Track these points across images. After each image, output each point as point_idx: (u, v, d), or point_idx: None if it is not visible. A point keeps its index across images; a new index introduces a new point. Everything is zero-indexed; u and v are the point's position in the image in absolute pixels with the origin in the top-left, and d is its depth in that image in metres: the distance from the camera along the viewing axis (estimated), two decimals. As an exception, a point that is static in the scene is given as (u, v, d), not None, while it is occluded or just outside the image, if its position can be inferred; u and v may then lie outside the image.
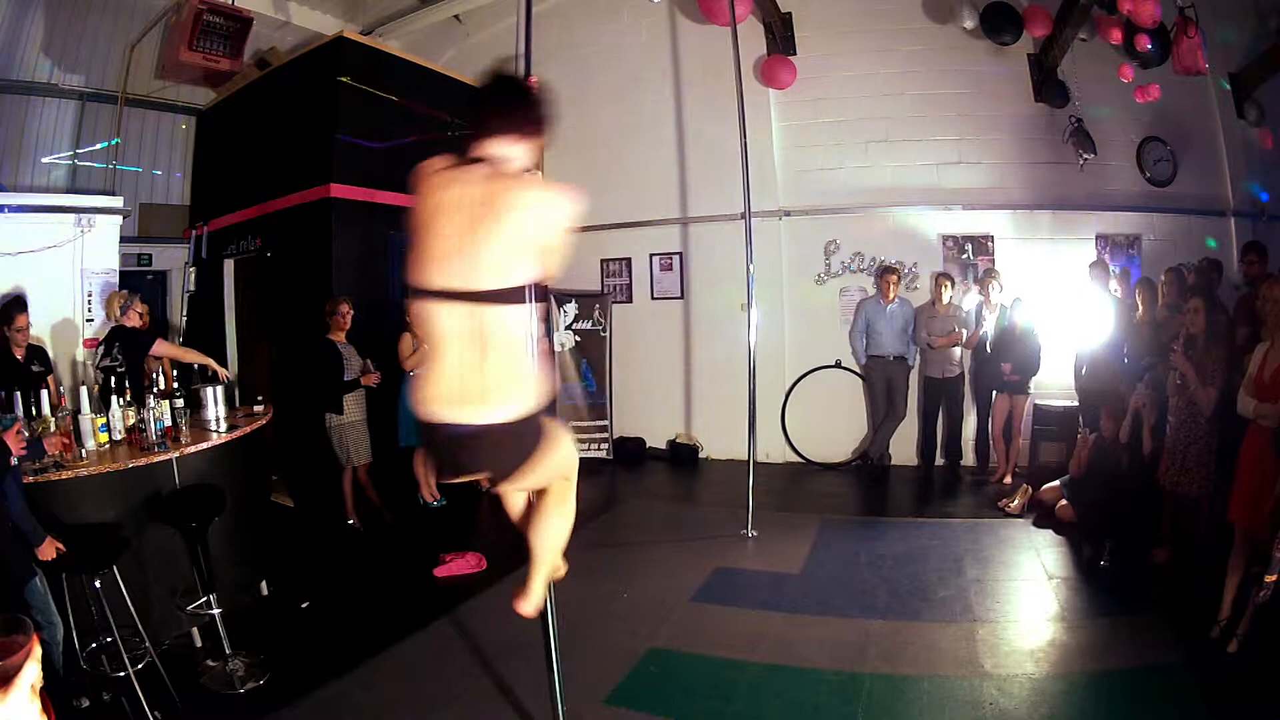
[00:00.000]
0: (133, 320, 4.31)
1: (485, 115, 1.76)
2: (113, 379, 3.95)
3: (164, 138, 7.04)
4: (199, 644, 3.47)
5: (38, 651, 1.27)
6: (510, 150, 1.75)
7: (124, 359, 4.13)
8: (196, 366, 4.53)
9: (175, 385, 4.04)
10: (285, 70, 6.36)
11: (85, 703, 2.89)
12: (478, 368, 1.68)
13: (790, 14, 6.71)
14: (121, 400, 3.73)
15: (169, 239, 7.02)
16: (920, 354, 6.34)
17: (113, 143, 6.29)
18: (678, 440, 7.28)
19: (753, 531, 4.82)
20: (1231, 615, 3.17)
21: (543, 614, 2.52)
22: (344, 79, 5.75)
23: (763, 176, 6.45)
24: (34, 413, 3.37)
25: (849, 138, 6.72)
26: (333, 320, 5.12)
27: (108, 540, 2.96)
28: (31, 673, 1.25)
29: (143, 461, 3.38)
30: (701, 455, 7.21)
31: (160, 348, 4.32)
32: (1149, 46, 5.20)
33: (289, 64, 6.37)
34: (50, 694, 2.61)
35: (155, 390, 3.78)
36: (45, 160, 5.89)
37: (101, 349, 4.32)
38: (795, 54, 6.71)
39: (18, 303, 4.18)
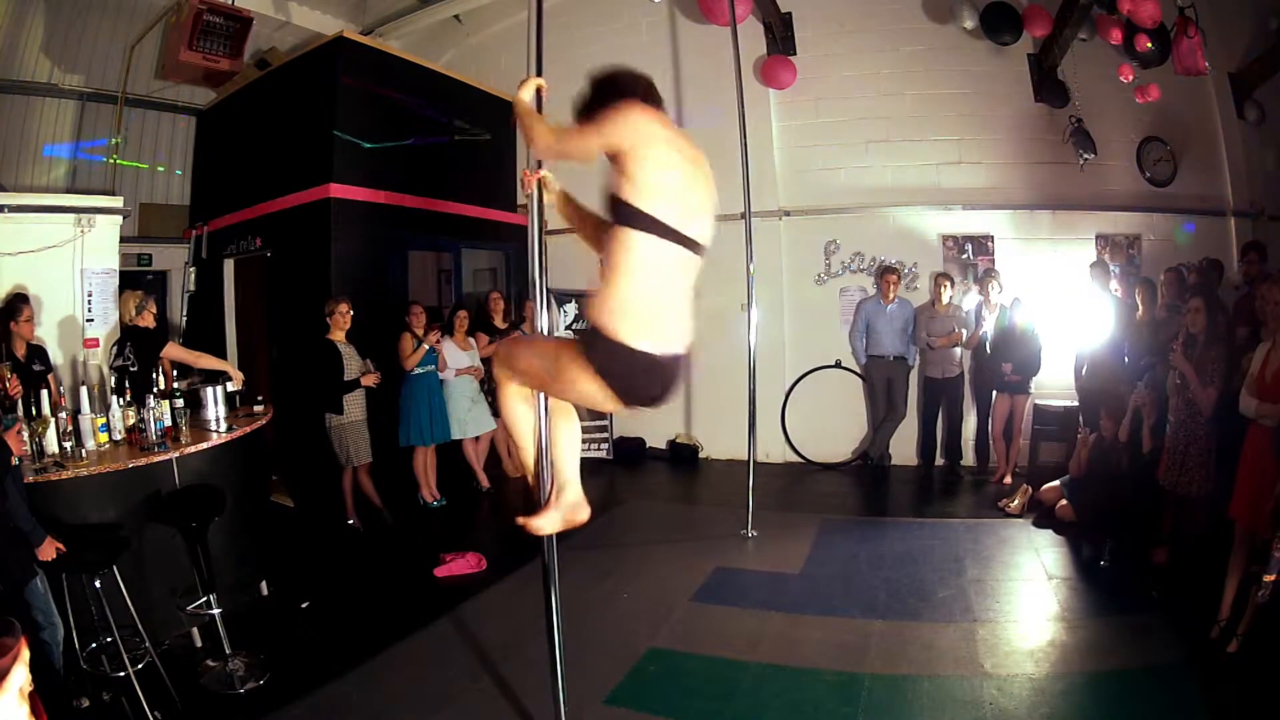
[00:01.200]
0: (147, 321, 4.30)
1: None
2: (126, 379, 3.97)
3: (164, 138, 7.04)
4: (199, 644, 3.47)
5: (25, 655, 1.25)
6: None
7: (136, 359, 4.13)
8: (197, 370, 4.52)
9: (175, 385, 4.03)
10: (285, 70, 6.36)
11: (85, 703, 2.89)
12: (689, 309, 1.92)
13: (790, 14, 6.71)
14: (121, 400, 3.73)
15: (169, 239, 7.02)
16: (920, 354, 6.35)
17: (113, 142, 6.28)
18: (678, 440, 7.28)
19: (753, 531, 4.82)
20: (1231, 615, 3.17)
21: (546, 613, 2.52)
22: (344, 78, 5.75)
23: (763, 176, 6.45)
24: (34, 412, 3.37)
25: (849, 138, 6.72)
26: (332, 320, 5.12)
27: (108, 540, 2.96)
28: (20, 676, 1.23)
29: (143, 461, 3.38)
30: (701, 455, 7.21)
31: (171, 350, 4.30)
32: (1149, 46, 5.20)
33: (289, 64, 6.37)
34: (50, 694, 2.61)
35: (155, 390, 3.78)
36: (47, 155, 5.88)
37: (115, 349, 4.34)
38: (795, 54, 6.72)
39: (21, 297, 4.19)
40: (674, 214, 1.82)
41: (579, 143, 1.93)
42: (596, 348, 1.82)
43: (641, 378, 1.86)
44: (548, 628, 2.51)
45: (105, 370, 4.59)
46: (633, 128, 1.83)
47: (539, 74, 2.37)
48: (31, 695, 1.27)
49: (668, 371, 1.88)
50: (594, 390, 1.88)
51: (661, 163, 1.82)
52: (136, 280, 6.15)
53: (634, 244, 1.79)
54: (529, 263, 2.42)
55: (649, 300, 1.81)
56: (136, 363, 4.09)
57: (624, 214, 1.82)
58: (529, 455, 2.28)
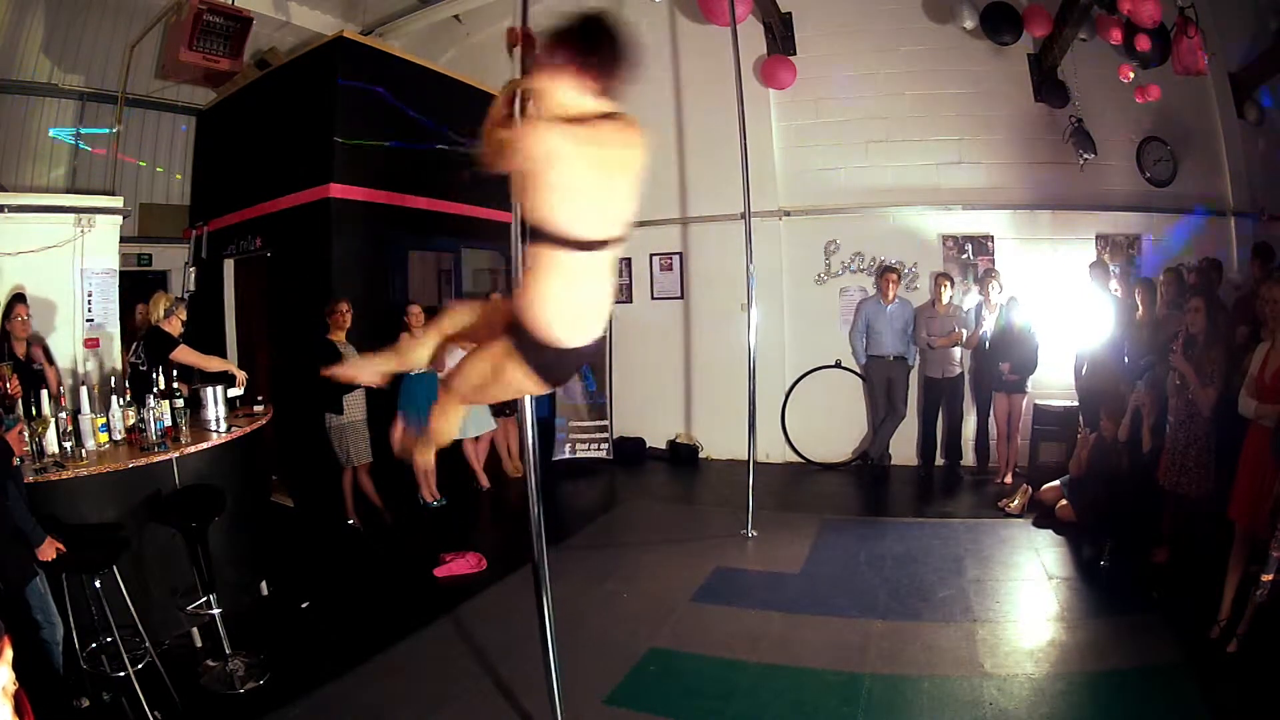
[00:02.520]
0: (173, 326, 4.29)
1: (604, 60, 1.82)
2: (128, 379, 4.01)
3: (164, 138, 7.04)
4: (199, 644, 3.47)
5: (9, 654, 1.25)
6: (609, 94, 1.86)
7: (146, 358, 4.15)
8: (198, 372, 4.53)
9: (175, 385, 4.04)
10: (285, 70, 6.36)
11: (85, 703, 2.89)
12: (604, 298, 1.98)
13: (790, 14, 6.70)
14: (121, 400, 3.73)
15: (169, 239, 7.02)
16: (920, 354, 6.35)
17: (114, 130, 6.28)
18: (678, 440, 7.28)
19: (753, 531, 4.82)
20: (1231, 615, 3.17)
21: (541, 614, 2.52)
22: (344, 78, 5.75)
23: (763, 176, 6.45)
24: (34, 412, 3.38)
25: (849, 138, 6.72)
26: (332, 320, 5.12)
27: (108, 540, 2.96)
28: (3, 675, 1.23)
29: (143, 461, 3.38)
30: (701, 455, 7.21)
31: (182, 353, 4.31)
32: (1149, 46, 5.20)
33: (289, 64, 6.37)
34: (50, 694, 2.61)
35: (156, 390, 3.78)
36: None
37: (135, 345, 4.40)
38: (795, 54, 6.71)
39: (17, 297, 4.19)
40: (581, 227, 1.83)
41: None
42: (528, 347, 1.94)
43: (565, 366, 2.05)
44: (540, 627, 2.51)
45: (109, 368, 4.61)
46: (541, 152, 1.76)
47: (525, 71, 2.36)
48: (18, 694, 1.26)
49: (582, 356, 2.03)
50: (528, 384, 2.06)
51: (567, 185, 1.79)
52: (137, 280, 6.15)
53: (547, 259, 1.85)
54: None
55: (567, 302, 1.90)
56: (146, 363, 4.11)
57: (534, 233, 1.86)
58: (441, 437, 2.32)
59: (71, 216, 4.71)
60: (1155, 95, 5.73)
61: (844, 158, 6.77)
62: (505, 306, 2.06)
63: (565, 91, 1.82)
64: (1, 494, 2.57)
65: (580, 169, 1.78)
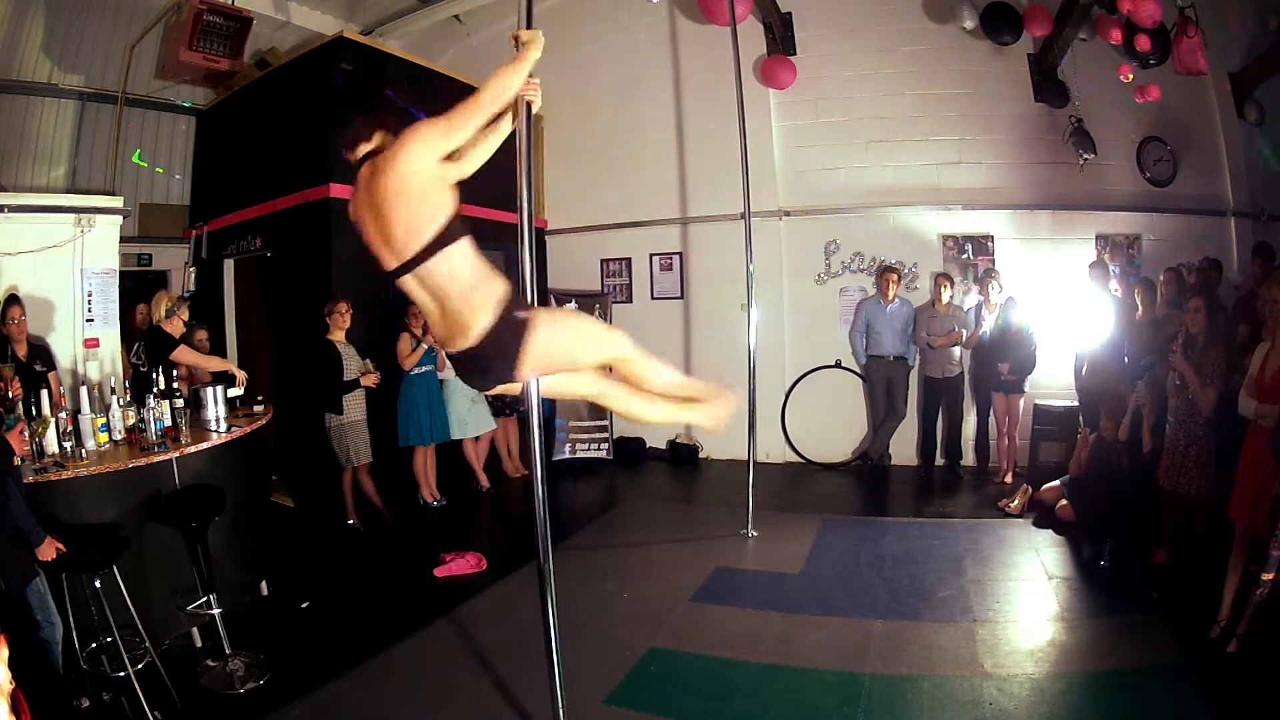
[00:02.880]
0: (174, 326, 4.28)
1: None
2: (127, 380, 4.05)
3: (164, 138, 7.04)
4: (199, 644, 3.48)
5: (5, 654, 1.25)
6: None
7: (147, 359, 4.15)
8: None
9: (175, 385, 4.04)
10: (285, 70, 6.36)
11: (85, 703, 2.89)
12: (444, 317, 2.16)
13: (790, 14, 6.71)
14: (121, 400, 3.73)
15: (169, 239, 7.02)
16: (920, 354, 6.35)
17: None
18: (678, 440, 7.29)
19: (753, 531, 4.82)
20: (1231, 615, 3.17)
21: (543, 613, 2.52)
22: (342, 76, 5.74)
23: (763, 176, 6.44)
24: (34, 412, 3.38)
25: (849, 138, 6.72)
26: (332, 320, 5.12)
27: (108, 540, 2.96)
28: None
29: (143, 461, 3.38)
30: (701, 455, 7.21)
31: (182, 354, 4.30)
32: (1149, 46, 5.20)
33: (289, 64, 6.37)
34: (50, 694, 2.61)
35: (156, 390, 3.79)
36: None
37: (135, 346, 4.44)
38: (795, 54, 6.72)
39: (11, 298, 4.19)
40: (381, 260, 2.20)
41: None
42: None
43: (465, 368, 2.29)
44: (544, 627, 2.51)
45: (117, 368, 4.62)
46: None
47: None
48: (15, 693, 1.26)
49: (474, 360, 2.20)
50: None
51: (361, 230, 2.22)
52: (137, 280, 6.15)
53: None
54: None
55: (429, 318, 2.24)
56: (147, 364, 4.11)
57: None
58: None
59: (71, 216, 4.70)
60: (1155, 95, 5.74)
61: (844, 158, 6.77)
62: None
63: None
64: (2, 494, 2.57)
65: (355, 213, 2.21)
